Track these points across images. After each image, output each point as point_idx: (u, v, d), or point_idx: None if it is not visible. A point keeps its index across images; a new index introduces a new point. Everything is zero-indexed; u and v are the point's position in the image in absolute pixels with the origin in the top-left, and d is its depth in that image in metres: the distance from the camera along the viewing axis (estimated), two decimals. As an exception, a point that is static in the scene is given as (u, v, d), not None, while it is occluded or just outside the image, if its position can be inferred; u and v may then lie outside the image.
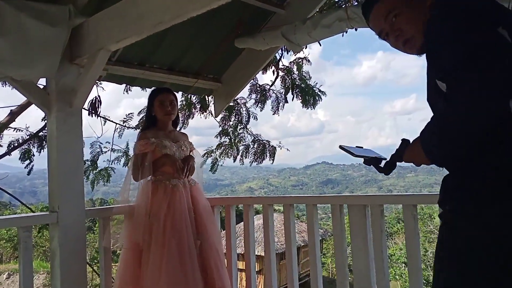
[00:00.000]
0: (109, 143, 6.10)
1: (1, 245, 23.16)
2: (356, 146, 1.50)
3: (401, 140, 1.33)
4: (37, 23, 2.30)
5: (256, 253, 3.36)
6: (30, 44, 2.30)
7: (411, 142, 1.29)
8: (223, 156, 6.59)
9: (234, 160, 6.59)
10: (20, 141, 5.68)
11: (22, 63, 2.31)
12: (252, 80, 6.08)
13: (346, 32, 3.10)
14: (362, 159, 1.45)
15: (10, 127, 5.66)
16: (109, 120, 5.83)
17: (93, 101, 4.67)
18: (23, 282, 2.33)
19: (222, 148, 6.62)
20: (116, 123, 5.97)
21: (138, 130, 3.40)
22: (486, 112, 1.00)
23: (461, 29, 1.02)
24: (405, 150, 1.30)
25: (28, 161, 5.72)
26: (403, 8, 1.26)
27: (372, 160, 1.42)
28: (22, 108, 5.62)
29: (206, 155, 6.67)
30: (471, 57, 0.98)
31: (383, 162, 1.41)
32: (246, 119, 6.34)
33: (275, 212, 3.19)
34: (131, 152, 5.64)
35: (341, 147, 1.46)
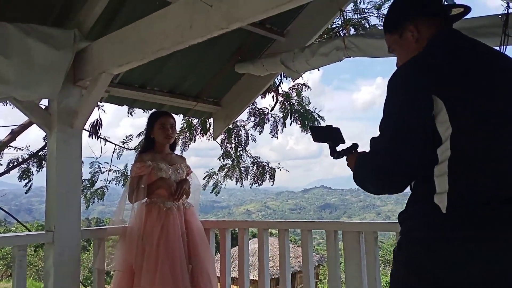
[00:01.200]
0: (107, 163, 6.14)
1: (-7, 263, 22.89)
2: (327, 125, 1.67)
3: (352, 143, 1.55)
4: (43, 46, 2.37)
5: (250, 278, 3.35)
6: (35, 66, 2.36)
7: (357, 150, 1.53)
8: (226, 178, 6.63)
9: (237, 182, 6.62)
10: (20, 160, 5.72)
11: (25, 85, 2.36)
12: (252, 104, 6.17)
13: (341, 60, 3.17)
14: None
15: (10, 145, 5.71)
16: (109, 141, 5.89)
17: (94, 123, 4.72)
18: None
19: (225, 170, 6.66)
20: (116, 145, 6.03)
21: (137, 152, 3.44)
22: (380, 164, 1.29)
23: (392, 101, 1.30)
24: (349, 155, 1.53)
25: (26, 180, 5.75)
26: (396, 47, 1.51)
27: (330, 144, 1.63)
28: (23, 127, 5.68)
29: (207, 178, 6.70)
30: (390, 131, 1.28)
31: (340, 147, 1.61)
32: (245, 141, 6.40)
33: (271, 236, 3.21)
34: (129, 173, 5.67)
35: (310, 127, 1.73)
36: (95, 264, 2.81)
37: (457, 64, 1.28)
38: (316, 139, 1.65)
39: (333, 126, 1.65)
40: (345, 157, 1.56)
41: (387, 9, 1.61)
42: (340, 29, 4.79)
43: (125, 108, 4.75)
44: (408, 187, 1.32)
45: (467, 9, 1.46)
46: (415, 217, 1.28)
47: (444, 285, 1.17)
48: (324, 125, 1.69)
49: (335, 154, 1.60)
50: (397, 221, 1.36)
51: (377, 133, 1.33)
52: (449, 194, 1.18)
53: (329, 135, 1.63)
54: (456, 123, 1.20)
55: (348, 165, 1.51)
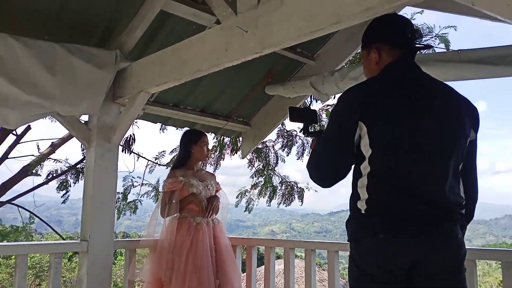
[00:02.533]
0: (140, 177, 6.32)
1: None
2: (304, 107, 1.83)
3: (320, 129, 1.78)
4: (86, 65, 2.53)
5: (275, 300, 3.33)
6: (78, 84, 2.52)
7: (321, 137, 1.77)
8: (260, 197, 6.70)
9: (270, 201, 6.68)
10: (59, 171, 5.96)
11: (69, 101, 2.51)
12: (280, 125, 6.24)
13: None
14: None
15: (50, 158, 5.97)
16: (141, 156, 6.08)
17: (128, 138, 4.89)
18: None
19: (258, 188, 6.73)
20: (148, 160, 6.20)
21: (169, 168, 3.55)
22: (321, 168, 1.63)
23: (332, 119, 1.64)
24: (316, 137, 1.81)
25: (64, 191, 5.99)
26: (364, 60, 1.74)
27: (305, 123, 1.86)
28: (63, 140, 5.94)
29: (240, 196, 6.78)
30: (325, 140, 1.63)
31: (313, 128, 1.83)
32: (275, 161, 6.46)
33: (296, 258, 3.21)
34: (161, 188, 5.82)
35: (289, 108, 1.87)
36: (127, 275, 2.89)
37: (386, 99, 1.52)
38: (292, 119, 1.86)
39: (311, 108, 1.80)
40: (312, 138, 1.85)
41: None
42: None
43: (156, 125, 4.92)
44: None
45: (427, 47, 1.74)
46: (350, 221, 1.57)
47: (368, 271, 1.48)
48: (302, 107, 1.83)
49: (306, 133, 1.86)
50: None
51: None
52: (367, 200, 1.48)
53: (305, 116, 1.86)
54: (374, 147, 1.48)
55: (311, 144, 1.87)
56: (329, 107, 6.24)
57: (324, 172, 1.62)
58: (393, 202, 1.47)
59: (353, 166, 1.58)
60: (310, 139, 1.92)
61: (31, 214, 6.84)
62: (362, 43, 1.73)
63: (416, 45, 1.63)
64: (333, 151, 1.57)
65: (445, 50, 3.05)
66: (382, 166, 1.49)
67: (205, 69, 2.18)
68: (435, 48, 4.21)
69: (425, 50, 1.89)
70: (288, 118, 1.89)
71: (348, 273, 1.57)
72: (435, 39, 4.74)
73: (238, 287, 2.96)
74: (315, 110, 1.87)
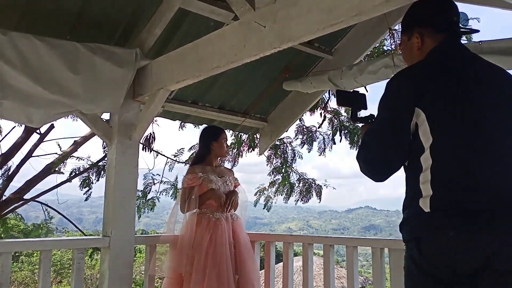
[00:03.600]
0: (159, 175, 6.40)
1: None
2: (353, 90, 1.78)
3: (370, 114, 1.68)
4: (107, 64, 2.57)
5: (294, 297, 3.34)
6: (100, 82, 2.56)
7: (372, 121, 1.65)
8: (278, 194, 6.69)
9: (288, 198, 6.67)
10: (81, 169, 6.09)
11: (91, 99, 2.56)
12: (298, 121, 6.22)
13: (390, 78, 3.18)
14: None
15: (73, 155, 6.11)
16: (161, 154, 6.14)
17: (148, 137, 4.95)
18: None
19: (276, 186, 6.72)
20: (168, 157, 6.27)
21: (188, 164, 3.58)
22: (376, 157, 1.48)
23: (384, 105, 1.47)
24: (365, 123, 1.69)
25: (87, 188, 6.12)
26: (403, 46, 1.64)
27: (354, 108, 1.74)
28: (85, 139, 6.05)
29: (258, 193, 6.79)
30: (376, 130, 1.49)
31: (363, 113, 1.72)
32: (292, 158, 6.44)
33: (314, 255, 3.20)
34: (179, 185, 5.87)
35: (337, 91, 1.83)
36: (147, 270, 2.93)
37: (443, 80, 1.40)
38: (340, 103, 1.80)
39: (360, 92, 1.73)
40: (361, 124, 1.71)
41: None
42: (390, 48, 4.78)
43: (174, 125, 4.98)
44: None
45: (474, 31, 1.62)
46: (408, 220, 1.44)
47: (433, 272, 1.35)
48: (351, 90, 1.77)
49: (354, 119, 1.73)
50: None
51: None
52: (432, 197, 1.34)
53: (353, 100, 1.74)
54: (436, 134, 1.35)
55: (361, 132, 1.72)
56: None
57: (375, 168, 1.50)
58: (463, 197, 1.34)
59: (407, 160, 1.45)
60: (358, 125, 1.81)
61: (49, 211, 7.01)
62: (402, 27, 1.63)
63: (461, 30, 1.55)
64: (385, 144, 1.44)
65: (467, 42, 3.01)
66: (447, 156, 1.36)
67: (224, 65, 2.19)
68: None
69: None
70: (336, 101, 1.82)
71: (405, 275, 1.46)
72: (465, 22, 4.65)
73: (257, 282, 2.97)
74: (364, 94, 1.74)
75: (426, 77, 1.42)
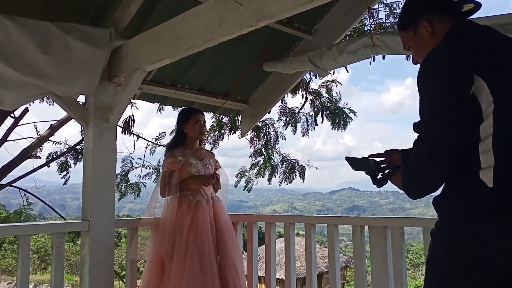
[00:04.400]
0: (141, 159, 6.34)
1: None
2: (362, 157, 1.65)
3: (395, 165, 1.56)
4: (81, 44, 2.50)
5: (277, 277, 3.38)
6: (73, 63, 2.49)
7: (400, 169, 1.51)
8: (259, 176, 6.69)
9: (269, 180, 6.67)
10: (59, 153, 5.98)
11: (65, 80, 2.49)
12: (281, 103, 6.21)
13: (374, 59, 3.17)
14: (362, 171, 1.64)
15: (49, 140, 5.99)
16: (141, 137, 6.07)
17: (127, 119, 4.88)
18: (54, 282, 2.48)
19: (257, 168, 6.71)
20: (149, 141, 6.20)
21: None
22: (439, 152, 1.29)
23: (430, 88, 1.34)
24: (392, 176, 1.55)
25: (65, 172, 6.02)
26: (411, 42, 1.57)
27: (370, 173, 1.62)
28: (61, 123, 5.93)
29: (239, 175, 6.78)
30: (435, 110, 1.31)
31: (380, 175, 1.60)
32: (275, 140, 6.45)
33: (297, 236, 3.23)
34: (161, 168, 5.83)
35: (346, 158, 1.65)
36: (129, 254, 2.92)
37: (488, 44, 1.34)
38: (355, 168, 1.65)
39: (369, 158, 1.65)
40: (389, 182, 1.57)
41: (401, 7, 1.68)
42: (369, 27, 4.78)
43: (153, 108, 4.91)
44: None
45: (478, 5, 1.52)
46: (457, 198, 1.31)
47: (484, 260, 1.23)
48: (360, 157, 1.66)
49: (377, 182, 1.60)
50: (424, 217, 1.40)
51: (408, 134, 1.36)
52: (495, 168, 1.22)
53: (367, 165, 1.64)
54: (498, 99, 1.25)
55: (395, 184, 1.53)
56: (328, 83, 6.20)
57: (445, 151, 1.29)
58: None
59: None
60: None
61: (28, 197, 6.89)
62: (403, 25, 1.58)
63: (465, 8, 1.50)
64: (451, 117, 1.27)
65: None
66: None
67: (200, 44, 2.15)
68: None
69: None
70: (351, 168, 1.67)
71: (432, 261, 1.36)
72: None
73: (239, 262, 2.98)
74: (374, 160, 1.64)
75: (469, 44, 1.34)
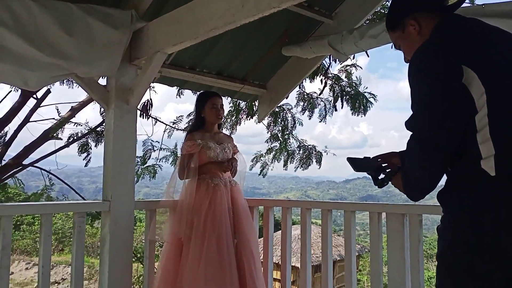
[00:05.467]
0: (158, 142, 6.40)
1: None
2: (364, 157, 1.65)
3: (396, 166, 1.56)
4: (103, 25, 2.51)
5: (292, 264, 3.38)
6: (95, 45, 2.51)
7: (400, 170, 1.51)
8: (274, 161, 6.68)
9: (286, 167, 6.65)
10: (79, 135, 6.08)
11: (86, 62, 2.51)
12: (299, 89, 6.16)
13: (391, 42, 3.12)
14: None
15: (71, 121, 6.09)
16: (160, 121, 6.12)
17: (145, 103, 4.92)
18: (76, 260, 2.53)
19: (273, 153, 6.70)
20: (167, 125, 6.25)
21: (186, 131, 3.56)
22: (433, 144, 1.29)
23: (420, 82, 1.36)
24: (393, 176, 1.54)
25: (86, 154, 6.13)
26: (400, 42, 1.60)
27: (371, 174, 1.63)
28: (82, 104, 6.02)
29: (255, 160, 6.79)
30: (425, 105, 1.33)
31: (382, 175, 1.60)
32: (292, 125, 6.41)
33: (312, 224, 3.22)
34: (179, 152, 5.89)
35: (348, 159, 1.66)
36: (147, 235, 2.96)
37: (475, 35, 1.36)
38: (357, 169, 1.65)
39: (371, 158, 1.65)
40: (390, 182, 1.58)
41: (388, 8, 1.68)
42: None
43: (169, 93, 4.92)
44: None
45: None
46: (460, 190, 1.32)
47: (492, 250, 1.22)
48: (362, 157, 1.66)
49: (378, 182, 1.62)
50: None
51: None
52: (496, 156, 1.22)
53: (368, 166, 1.64)
54: (490, 89, 1.25)
55: (396, 185, 1.53)
56: (348, 67, 6.10)
57: (430, 146, 1.30)
58: None
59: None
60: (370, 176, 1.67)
61: (50, 178, 7.04)
62: (391, 26, 1.60)
63: (449, 4, 1.53)
64: (440, 110, 1.28)
65: (470, 5, 2.97)
66: (507, 111, 1.26)
67: (221, 26, 2.13)
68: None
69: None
70: (353, 169, 1.66)
71: (441, 256, 1.36)
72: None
73: (255, 247, 3.00)
74: (376, 159, 1.63)
75: (457, 37, 1.36)
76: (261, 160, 6.82)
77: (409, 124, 1.38)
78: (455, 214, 1.32)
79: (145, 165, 6.31)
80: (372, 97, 6.16)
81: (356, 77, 6.17)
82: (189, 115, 6.29)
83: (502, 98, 1.27)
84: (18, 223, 21.05)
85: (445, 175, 1.37)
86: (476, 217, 1.26)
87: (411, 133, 1.38)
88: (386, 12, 4.86)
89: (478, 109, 1.27)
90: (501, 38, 1.40)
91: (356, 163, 1.65)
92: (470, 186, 1.29)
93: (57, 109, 6.49)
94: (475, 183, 1.28)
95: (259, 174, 6.88)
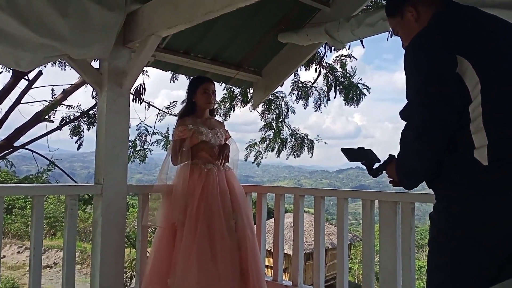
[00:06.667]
0: (151, 127, 6.38)
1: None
2: (358, 147, 1.67)
3: (389, 155, 1.57)
4: (98, 7, 2.47)
5: (284, 252, 3.39)
6: (90, 26, 2.47)
7: (394, 159, 1.51)
8: (268, 150, 6.69)
9: (278, 154, 6.67)
10: (72, 118, 6.03)
11: (80, 43, 2.48)
12: (293, 77, 6.15)
13: (391, 35, 3.11)
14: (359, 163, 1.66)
15: (63, 104, 6.03)
16: (152, 106, 6.09)
17: (138, 88, 4.87)
18: (67, 243, 2.52)
19: (267, 141, 6.71)
20: (160, 109, 6.22)
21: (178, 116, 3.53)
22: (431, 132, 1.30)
23: (414, 71, 1.36)
24: (387, 165, 1.56)
25: (77, 137, 6.08)
26: (399, 28, 1.60)
27: (366, 164, 1.64)
28: (74, 87, 5.95)
29: (249, 148, 6.79)
30: (419, 93, 1.34)
31: (376, 164, 1.62)
32: (286, 113, 6.41)
33: (304, 213, 3.24)
34: (171, 137, 5.87)
35: (342, 149, 1.67)
36: (140, 220, 2.95)
37: (472, 25, 1.36)
38: (351, 159, 1.67)
39: (365, 148, 1.66)
40: (384, 172, 1.59)
41: None
42: None
43: (162, 79, 4.89)
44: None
45: None
46: (453, 178, 1.33)
47: (484, 237, 1.24)
48: (356, 147, 1.68)
49: (373, 172, 1.63)
50: None
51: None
52: (489, 146, 1.24)
53: (363, 156, 1.65)
54: (484, 79, 1.26)
55: (389, 175, 1.55)
56: (343, 57, 6.10)
57: (423, 137, 1.32)
58: None
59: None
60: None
61: (50, 163, 7.00)
62: (390, 12, 1.61)
63: None
64: (432, 100, 1.29)
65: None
66: (501, 101, 1.27)
67: (218, 9, 2.11)
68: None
69: None
70: (347, 159, 1.68)
71: (432, 243, 1.38)
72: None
73: (252, 229, 3.00)
74: (370, 150, 1.63)
75: (452, 26, 1.36)
76: (255, 148, 6.83)
77: (403, 114, 1.39)
78: (448, 202, 1.34)
79: (136, 149, 6.29)
80: (365, 89, 6.20)
81: (351, 67, 6.19)
82: (183, 101, 6.27)
83: (496, 88, 1.27)
84: (10, 207, 20.96)
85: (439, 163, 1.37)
86: (468, 205, 1.27)
87: (406, 122, 1.39)
88: (382, 1, 4.85)
89: (472, 99, 1.27)
90: (498, 27, 1.40)
91: (350, 153, 1.67)
92: (463, 175, 1.30)
93: (53, 90, 6.42)
94: (467, 172, 1.29)
95: (253, 163, 6.91)
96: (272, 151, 6.71)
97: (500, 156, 1.23)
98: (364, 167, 1.65)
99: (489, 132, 1.24)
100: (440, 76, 1.29)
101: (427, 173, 1.39)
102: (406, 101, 1.39)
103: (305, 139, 6.68)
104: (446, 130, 1.29)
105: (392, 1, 1.62)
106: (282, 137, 6.65)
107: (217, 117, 3.71)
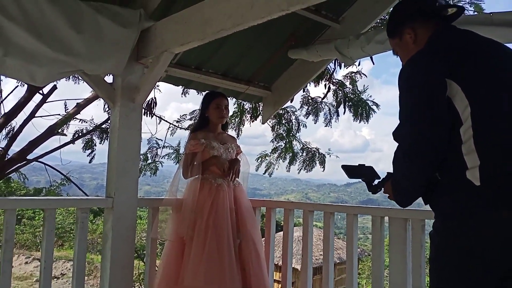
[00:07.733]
0: (162, 140, 6.44)
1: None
2: (358, 164, 1.70)
3: (387, 173, 1.59)
4: (111, 23, 2.53)
5: (293, 266, 3.38)
6: (103, 42, 2.52)
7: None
8: (279, 160, 6.72)
9: (289, 165, 6.69)
10: (84, 131, 6.11)
11: (94, 59, 2.53)
12: (303, 92, 6.19)
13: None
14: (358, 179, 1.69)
15: (76, 118, 6.12)
16: (163, 119, 6.15)
17: (149, 102, 4.93)
18: (78, 255, 2.54)
19: (278, 152, 6.73)
20: (170, 123, 6.29)
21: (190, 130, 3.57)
22: (420, 153, 1.34)
23: (406, 94, 1.40)
24: (385, 183, 1.59)
25: (90, 150, 6.16)
26: (398, 49, 1.66)
27: (365, 180, 1.67)
28: (87, 101, 6.04)
29: (260, 159, 6.82)
30: (410, 115, 1.38)
31: (376, 181, 1.65)
32: (297, 128, 6.45)
33: (314, 227, 3.24)
34: (182, 151, 5.91)
35: (342, 166, 1.71)
36: (150, 233, 2.97)
37: (464, 48, 1.39)
38: (350, 176, 1.70)
39: (366, 165, 1.69)
40: (383, 189, 1.62)
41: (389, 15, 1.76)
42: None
43: (172, 93, 4.95)
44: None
45: (461, 9, 1.58)
46: (448, 197, 1.36)
47: (481, 254, 1.26)
48: (356, 164, 1.71)
49: (373, 189, 1.66)
50: None
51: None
52: (481, 167, 1.26)
53: (362, 173, 1.68)
54: (474, 102, 1.29)
55: (386, 192, 1.59)
56: (353, 74, 6.14)
57: (414, 159, 1.35)
58: None
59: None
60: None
61: (64, 177, 7.10)
62: (390, 33, 1.67)
63: (449, 14, 1.56)
64: (423, 123, 1.32)
65: (477, 14, 2.98)
66: (491, 123, 1.29)
67: (229, 27, 2.14)
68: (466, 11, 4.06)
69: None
70: (348, 176, 1.71)
71: (432, 261, 1.39)
72: (469, 5, 4.59)
73: (260, 245, 3.00)
74: (371, 167, 1.67)
75: (444, 50, 1.40)
76: (266, 159, 6.85)
77: (395, 134, 1.43)
78: (445, 220, 1.37)
79: (147, 162, 6.34)
80: (374, 105, 6.24)
81: (364, 85, 6.26)
82: (191, 113, 6.34)
83: (486, 110, 1.30)
84: (19, 217, 21.09)
85: (436, 182, 1.41)
86: (463, 223, 1.30)
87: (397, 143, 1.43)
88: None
89: (463, 122, 1.31)
90: (491, 51, 1.44)
91: (350, 170, 1.71)
92: (457, 195, 1.33)
93: (65, 105, 6.54)
94: (461, 192, 1.32)
95: (264, 173, 6.93)
96: (283, 161, 6.74)
97: (492, 176, 1.26)
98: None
99: (481, 154, 1.27)
100: (431, 99, 1.32)
101: (419, 192, 1.45)
102: (398, 122, 1.43)
103: (317, 153, 6.69)
104: (436, 152, 1.33)
105: (392, 23, 1.67)
106: (294, 150, 6.68)
107: (229, 132, 3.74)
